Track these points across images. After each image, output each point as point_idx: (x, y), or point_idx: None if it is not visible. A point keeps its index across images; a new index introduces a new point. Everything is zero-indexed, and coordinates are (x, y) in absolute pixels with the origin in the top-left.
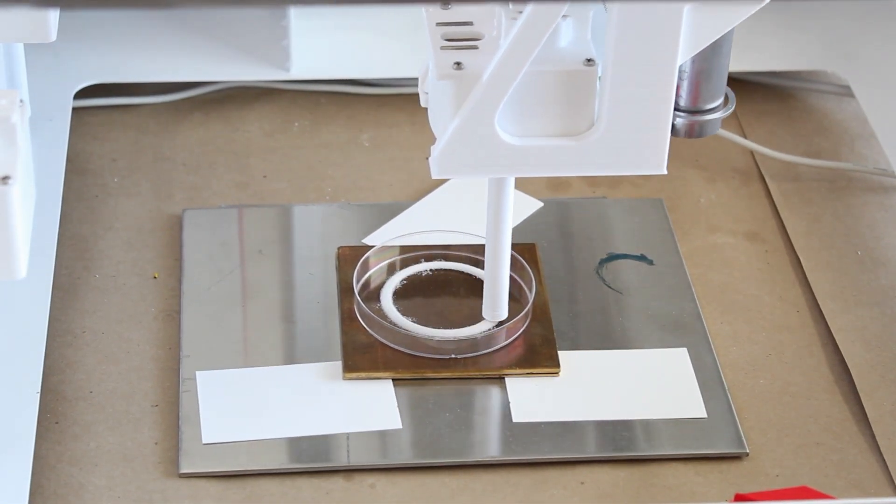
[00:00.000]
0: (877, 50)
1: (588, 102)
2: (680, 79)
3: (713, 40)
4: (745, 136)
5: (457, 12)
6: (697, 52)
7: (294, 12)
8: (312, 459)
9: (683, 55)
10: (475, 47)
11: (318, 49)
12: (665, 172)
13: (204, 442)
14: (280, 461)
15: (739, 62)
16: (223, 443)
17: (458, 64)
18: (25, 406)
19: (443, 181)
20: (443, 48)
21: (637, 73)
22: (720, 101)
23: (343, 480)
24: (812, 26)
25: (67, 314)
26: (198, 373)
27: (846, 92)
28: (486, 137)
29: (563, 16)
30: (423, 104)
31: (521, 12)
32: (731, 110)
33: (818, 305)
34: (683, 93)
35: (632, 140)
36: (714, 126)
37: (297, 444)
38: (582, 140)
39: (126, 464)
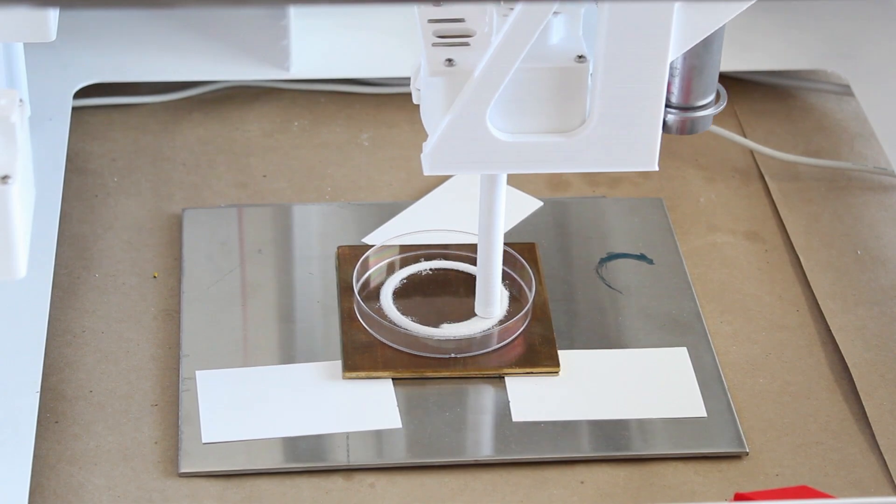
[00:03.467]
0: (877, 50)
1: (579, 99)
2: (671, 75)
3: (704, 37)
4: (744, 136)
5: (449, 9)
6: (688, 48)
7: (294, 12)
8: (312, 459)
9: (674, 52)
10: (467, 44)
11: (317, 49)
12: (656, 169)
13: (204, 441)
14: (280, 461)
15: (739, 62)
16: (223, 442)
17: (449, 60)
18: (25, 405)
19: (442, 180)
20: (434, 45)
21: (628, 70)
22: (712, 97)
23: (343, 480)
24: (812, 26)
25: (67, 314)
26: (197, 372)
27: (846, 92)
28: (477, 134)
29: (554, 12)
30: (415, 101)
31: (512, 9)
32: (722, 107)
33: (818, 305)
34: (675, 89)
35: (623, 136)
36: (706, 122)
37: (296, 444)
38: (573, 137)
39: (126, 463)
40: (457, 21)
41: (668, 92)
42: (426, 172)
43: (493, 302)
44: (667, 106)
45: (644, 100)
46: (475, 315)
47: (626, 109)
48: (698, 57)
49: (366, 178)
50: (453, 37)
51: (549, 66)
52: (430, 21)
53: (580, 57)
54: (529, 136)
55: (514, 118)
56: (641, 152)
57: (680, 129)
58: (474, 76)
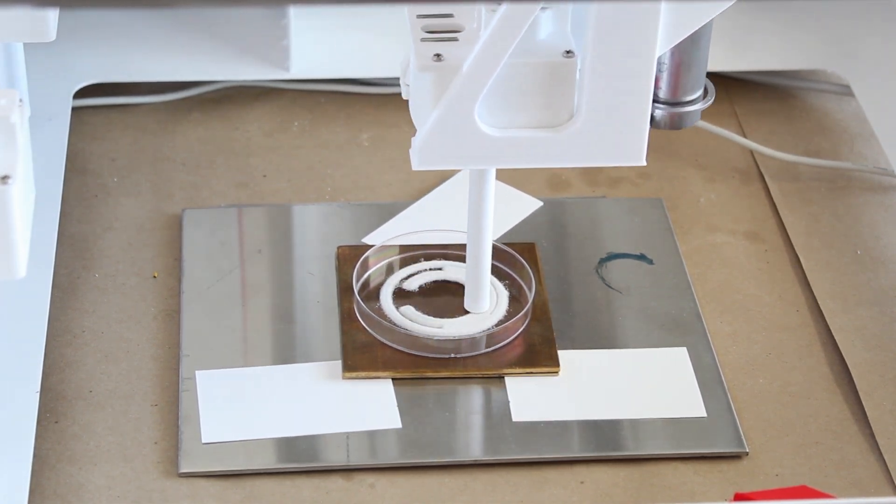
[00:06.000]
0: (877, 50)
1: (567, 94)
2: (659, 71)
3: (691, 33)
4: (744, 136)
5: (438, 4)
6: (676, 44)
7: (294, 12)
8: (312, 459)
9: (662, 47)
10: (455, 39)
11: (317, 49)
12: (644, 163)
13: (203, 441)
14: (279, 461)
15: (740, 62)
16: (223, 442)
17: (438, 56)
18: (25, 405)
19: (441, 181)
20: (423, 40)
21: (616, 65)
22: (699, 92)
23: (343, 480)
24: (812, 26)
25: (67, 314)
26: (197, 372)
27: (846, 92)
28: (466, 129)
29: (543, 8)
30: (404, 96)
31: (500, 3)
32: (710, 102)
33: (818, 305)
34: (663, 84)
35: (611, 131)
36: (693, 117)
37: (296, 444)
38: (561, 132)
39: (126, 463)
40: (445, 16)
41: (656, 87)
42: (415, 167)
43: (482, 298)
44: (655, 101)
45: (632, 95)
46: (475, 316)
47: (613, 104)
48: (686, 52)
49: (366, 178)
50: (442, 32)
51: (537, 61)
52: (419, 16)
53: (568, 52)
54: (518, 130)
55: (502, 113)
56: (629, 147)
57: (668, 125)
58: (462, 71)
